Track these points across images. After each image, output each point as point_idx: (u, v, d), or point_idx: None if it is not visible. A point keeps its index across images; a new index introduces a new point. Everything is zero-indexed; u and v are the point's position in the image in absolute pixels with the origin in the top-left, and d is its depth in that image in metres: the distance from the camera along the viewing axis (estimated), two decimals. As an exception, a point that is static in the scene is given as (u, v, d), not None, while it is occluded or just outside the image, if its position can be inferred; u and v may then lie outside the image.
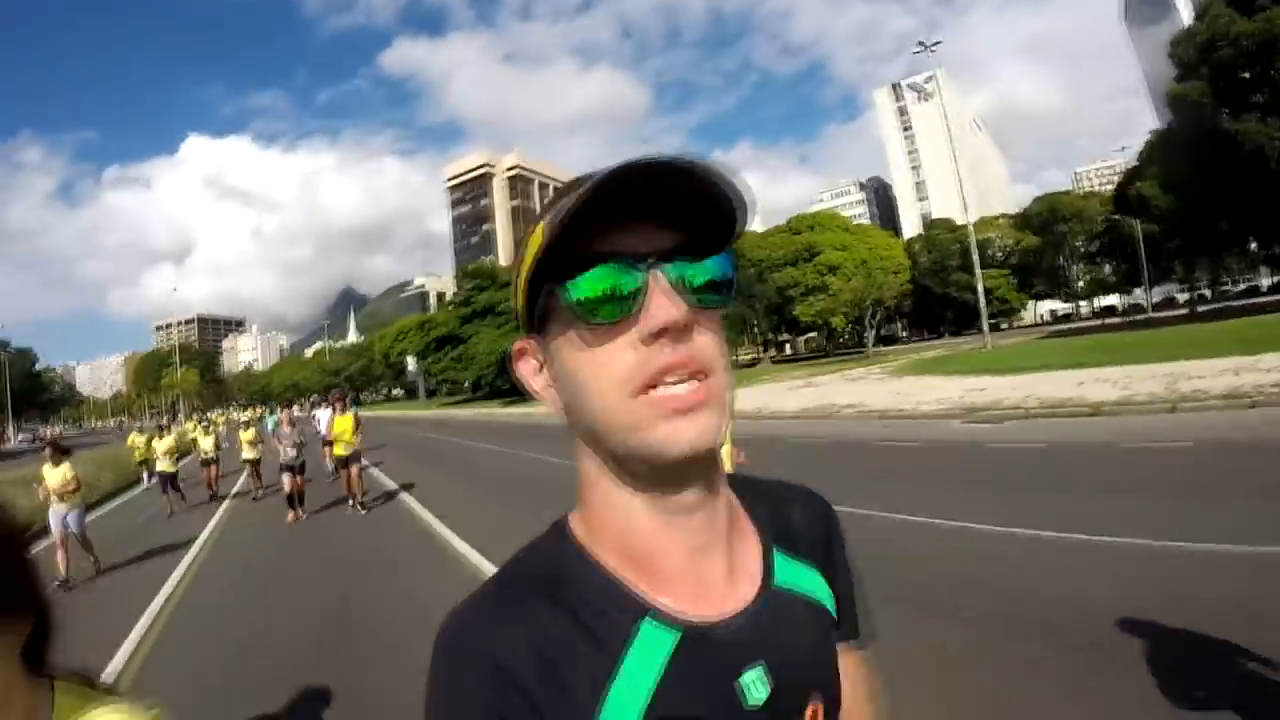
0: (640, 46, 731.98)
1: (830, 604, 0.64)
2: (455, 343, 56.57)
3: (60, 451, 7.90)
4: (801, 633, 0.59)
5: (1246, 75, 27.50)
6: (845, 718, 0.63)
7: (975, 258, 35.09)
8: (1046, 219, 62.39)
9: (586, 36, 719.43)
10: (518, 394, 53.73)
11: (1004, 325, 71.01)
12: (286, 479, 10.22)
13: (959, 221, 71.51)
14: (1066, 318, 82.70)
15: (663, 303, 0.49)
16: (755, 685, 0.53)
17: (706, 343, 0.51)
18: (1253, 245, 38.81)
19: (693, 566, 0.54)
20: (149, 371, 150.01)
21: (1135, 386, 12.25)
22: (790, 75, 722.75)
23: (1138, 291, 63.51)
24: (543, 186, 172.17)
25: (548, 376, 0.56)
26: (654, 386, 0.49)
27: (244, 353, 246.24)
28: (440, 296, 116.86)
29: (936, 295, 66.47)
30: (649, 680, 0.50)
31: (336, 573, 6.85)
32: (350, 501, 10.31)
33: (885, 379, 23.46)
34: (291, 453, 10.21)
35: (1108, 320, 56.85)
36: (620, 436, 0.50)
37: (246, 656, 4.67)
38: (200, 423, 19.37)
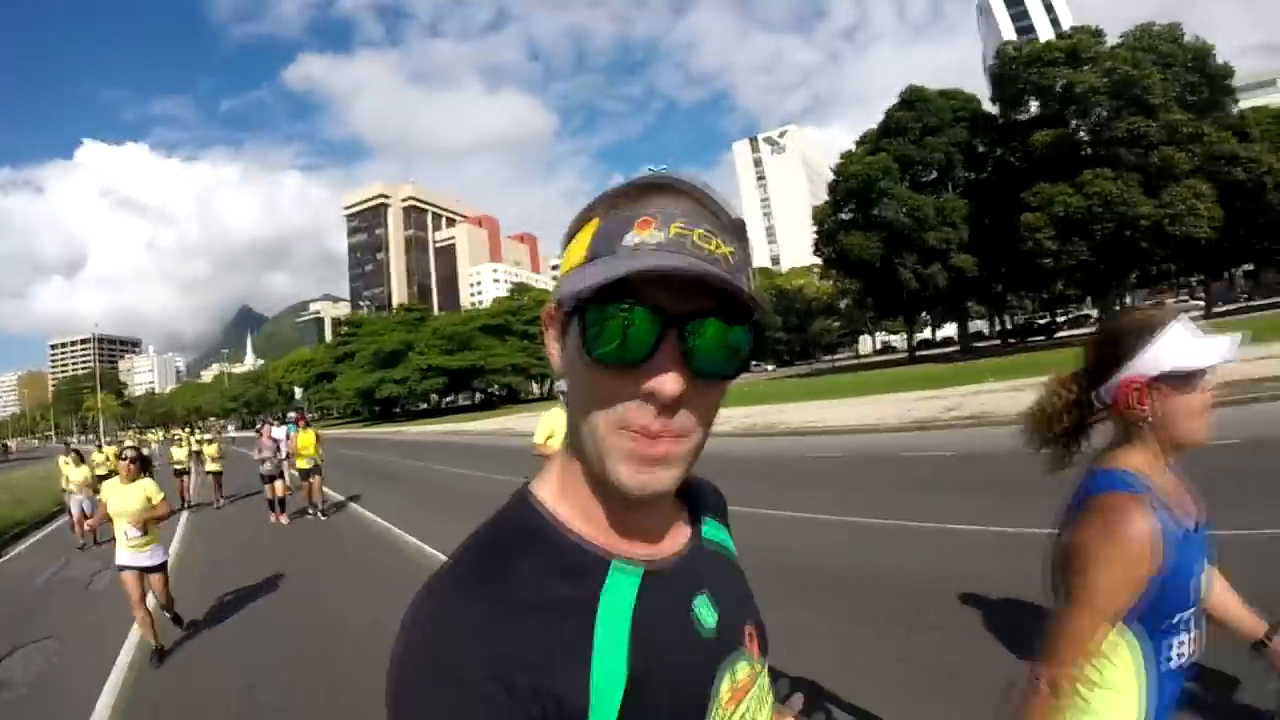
0: (548, 70, 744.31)
1: (736, 560, 0.76)
2: (330, 378, 69.62)
3: (80, 458, 11.41)
4: (728, 574, 0.71)
5: (855, 203, 40.88)
6: None
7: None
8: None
9: (494, 58, 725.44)
10: (373, 418, 62.90)
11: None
12: (269, 486, 10.86)
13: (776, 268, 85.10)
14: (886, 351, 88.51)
15: (666, 375, 0.50)
16: (705, 612, 0.62)
17: (696, 414, 0.53)
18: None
19: (645, 525, 0.62)
20: (65, 396, 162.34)
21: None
22: (694, 104, 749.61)
23: (949, 327, 65.42)
24: (436, 217, 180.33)
25: (559, 348, 0.58)
26: (632, 430, 0.52)
27: (140, 373, 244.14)
28: (336, 324, 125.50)
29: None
30: (626, 615, 0.56)
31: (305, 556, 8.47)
32: (309, 509, 11.00)
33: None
34: (274, 462, 10.92)
35: (888, 358, 62.37)
36: (594, 457, 0.54)
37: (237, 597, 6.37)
38: (168, 436, 23.36)
